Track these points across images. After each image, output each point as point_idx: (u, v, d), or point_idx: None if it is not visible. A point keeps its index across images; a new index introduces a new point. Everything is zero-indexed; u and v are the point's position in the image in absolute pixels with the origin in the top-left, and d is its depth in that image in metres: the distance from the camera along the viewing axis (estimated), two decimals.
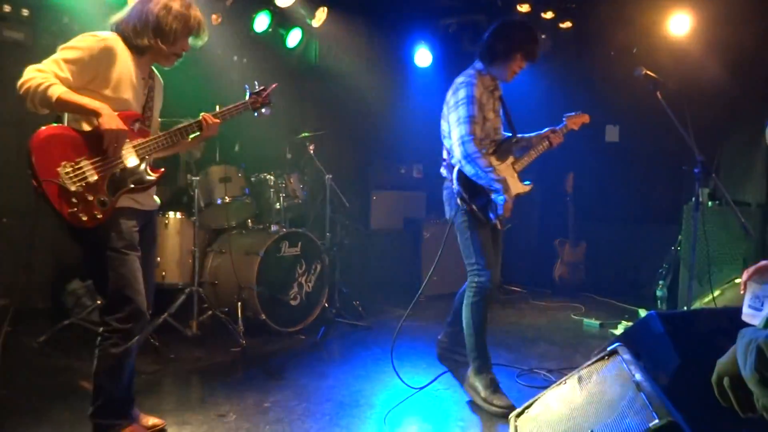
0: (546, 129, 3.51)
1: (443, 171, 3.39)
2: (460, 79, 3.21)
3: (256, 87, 2.88)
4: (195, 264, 4.27)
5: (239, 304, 4.21)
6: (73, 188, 2.25)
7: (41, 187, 2.20)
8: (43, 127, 2.27)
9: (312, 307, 4.61)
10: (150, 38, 2.45)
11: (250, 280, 4.21)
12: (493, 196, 3.11)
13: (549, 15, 6.01)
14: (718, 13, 5.42)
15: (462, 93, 3.13)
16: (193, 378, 3.56)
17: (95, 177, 2.32)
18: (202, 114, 2.66)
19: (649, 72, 3.61)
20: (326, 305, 4.71)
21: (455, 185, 3.20)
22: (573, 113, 3.58)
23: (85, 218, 2.28)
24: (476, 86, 3.14)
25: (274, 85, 2.93)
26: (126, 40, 2.45)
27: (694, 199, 3.67)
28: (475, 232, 3.22)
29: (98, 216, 2.32)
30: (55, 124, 2.35)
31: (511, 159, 3.38)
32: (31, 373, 3.44)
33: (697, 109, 3.76)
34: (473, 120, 3.09)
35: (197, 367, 3.71)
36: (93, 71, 2.34)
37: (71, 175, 2.26)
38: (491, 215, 3.17)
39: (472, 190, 3.17)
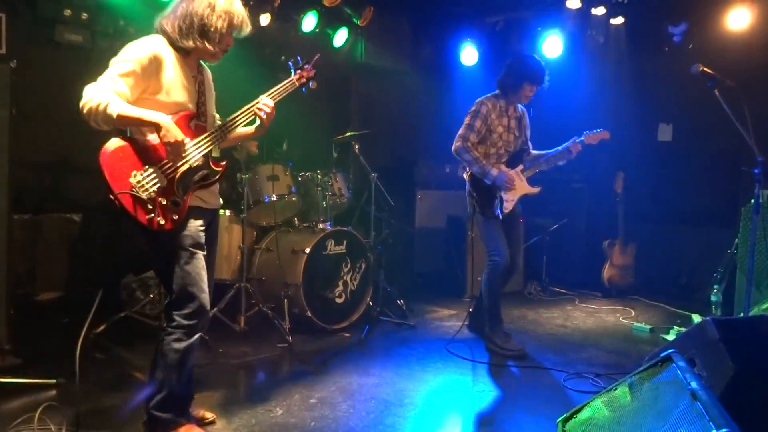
0: (568, 142, 4.20)
1: (463, 175, 4.26)
2: (477, 100, 4.10)
3: (299, 62, 2.86)
4: (243, 260, 4.36)
5: (285, 300, 4.28)
6: (146, 195, 2.31)
7: (117, 200, 2.26)
8: (110, 141, 2.32)
9: (357, 305, 4.65)
10: (196, 40, 2.44)
11: (297, 277, 4.27)
12: (485, 180, 3.99)
13: (600, 11, 5.86)
14: None
15: (473, 108, 4.07)
16: (240, 372, 3.63)
17: (165, 181, 2.38)
18: (257, 106, 2.63)
19: (706, 68, 3.49)
20: (371, 303, 4.73)
21: (468, 185, 4.15)
22: (593, 131, 4.23)
23: (162, 221, 2.34)
24: (485, 105, 4.05)
25: (317, 56, 2.89)
26: (171, 42, 2.46)
27: (753, 200, 3.52)
28: (489, 224, 4.06)
29: (175, 217, 2.38)
30: (119, 137, 2.39)
31: (520, 167, 4.16)
32: (87, 363, 3.56)
33: (757, 107, 3.60)
34: (471, 128, 4.02)
35: (245, 361, 3.78)
36: (146, 79, 2.37)
37: (142, 182, 2.31)
38: (497, 210, 4.02)
39: (482, 189, 4.04)
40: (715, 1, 5.51)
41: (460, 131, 4.06)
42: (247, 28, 2.57)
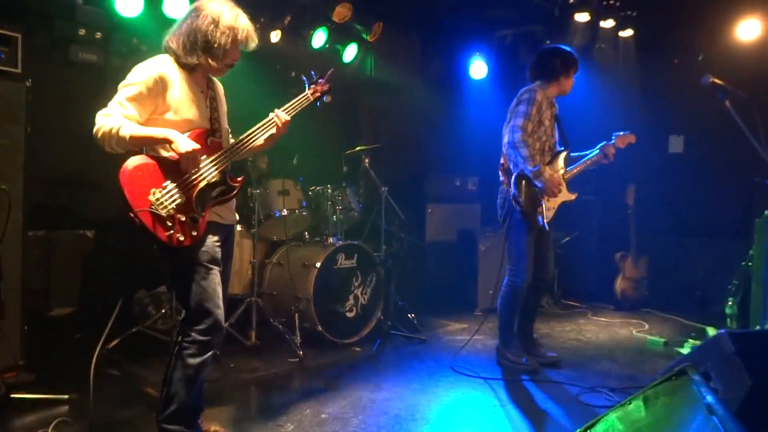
0: (598, 146, 4.01)
1: (500, 175, 3.92)
2: (524, 89, 3.84)
3: (313, 77, 2.87)
4: (254, 275, 4.37)
5: (296, 315, 4.28)
6: (165, 212, 2.32)
7: (138, 218, 2.28)
8: (130, 160, 2.35)
9: (367, 319, 4.63)
10: (200, 56, 2.46)
11: (307, 291, 4.27)
12: (535, 183, 3.68)
13: (609, 24, 5.87)
14: None
15: (525, 96, 3.79)
16: (251, 387, 3.63)
17: (183, 197, 2.39)
18: (275, 113, 2.66)
19: (716, 80, 3.48)
20: (381, 317, 4.72)
21: (512, 188, 3.76)
22: (622, 132, 4.05)
23: (182, 238, 2.36)
24: (539, 93, 3.79)
25: (330, 71, 2.91)
26: (177, 59, 2.48)
27: (767, 212, 3.49)
28: (523, 236, 3.80)
29: (194, 233, 2.39)
30: (136, 156, 2.41)
31: (562, 169, 3.91)
32: (99, 378, 3.57)
33: None
34: (528, 116, 3.71)
35: (256, 376, 3.78)
36: (153, 100, 2.41)
37: (161, 200, 2.33)
38: (540, 218, 3.75)
39: (527, 194, 3.73)
40: (725, 12, 5.50)
41: (515, 122, 3.71)
42: (254, 43, 2.58)
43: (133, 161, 2.36)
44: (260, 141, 2.69)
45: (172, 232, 2.33)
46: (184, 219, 2.37)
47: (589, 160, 3.99)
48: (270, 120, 2.67)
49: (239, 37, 2.50)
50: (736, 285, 4.75)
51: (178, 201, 2.37)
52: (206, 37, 2.43)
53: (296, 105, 2.77)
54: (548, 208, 3.82)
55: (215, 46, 2.45)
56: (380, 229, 4.94)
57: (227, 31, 2.45)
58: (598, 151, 4.00)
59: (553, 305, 6.04)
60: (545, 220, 3.77)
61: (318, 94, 2.85)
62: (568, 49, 3.93)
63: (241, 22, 2.51)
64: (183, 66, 2.50)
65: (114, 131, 2.28)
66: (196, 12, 2.48)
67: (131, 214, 2.28)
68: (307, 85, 2.86)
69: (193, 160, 2.40)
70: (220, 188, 2.54)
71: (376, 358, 4.24)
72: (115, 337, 4.03)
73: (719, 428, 1.71)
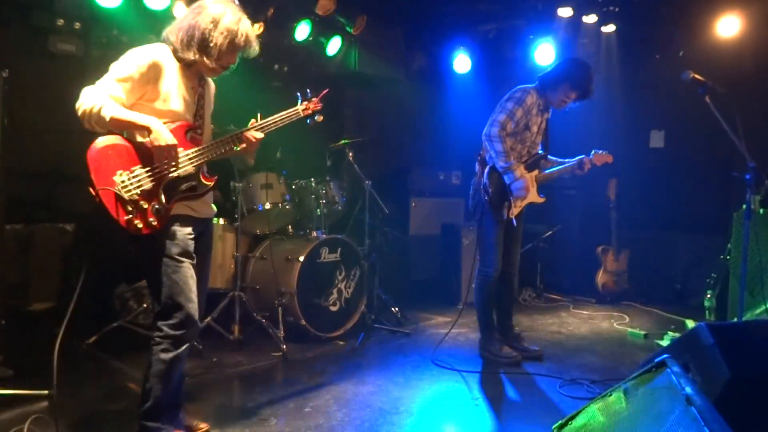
0: (577, 158, 4.03)
1: (477, 165, 3.97)
2: (519, 87, 3.85)
3: (308, 94, 2.87)
4: (237, 269, 4.35)
5: (280, 309, 4.26)
6: (128, 196, 2.31)
7: (99, 196, 2.26)
8: (100, 138, 2.34)
9: (351, 313, 4.63)
10: (195, 53, 2.45)
11: (291, 285, 4.26)
12: (504, 178, 3.75)
13: (591, 19, 5.91)
14: None
15: (516, 95, 3.80)
16: (234, 382, 3.61)
17: (150, 185, 2.37)
18: (245, 134, 2.64)
19: (696, 75, 3.52)
20: (365, 311, 4.72)
21: (484, 178, 3.83)
22: (601, 151, 4.07)
23: (140, 225, 2.33)
24: (530, 95, 3.80)
25: (325, 91, 2.92)
26: (174, 52, 2.48)
27: (745, 206, 3.54)
28: (493, 227, 3.87)
29: (153, 223, 2.37)
30: (110, 135, 2.40)
31: (536, 172, 3.98)
32: (79, 374, 3.54)
33: (748, 114, 3.63)
34: (511, 115, 3.74)
35: (239, 371, 3.76)
36: (143, 86, 2.39)
37: (127, 183, 2.32)
38: (504, 213, 3.83)
39: (497, 187, 3.80)
40: (705, 8, 5.56)
41: (497, 116, 3.76)
42: (253, 50, 2.57)
43: (104, 139, 2.34)
44: (236, 149, 2.66)
45: (131, 217, 2.31)
46: (146, 207, 2.36)
47: (564, 168, 4.04)
48: (247, 129, 2.65)
49: (237, 40, 2.48)
50: (715, 278, 4.83)
51: (144, 187, 2.36)
52: (203, 35, 2.43)
53: (285, 118, 2.75)
54: (514, 205, 3.88)
55: (211, 45, 2.44)
56: (364, 223, 4.93)
57: (225, 32, 2.44)
58: (575, 162, 4.03)
59: (535, 298, 6.09)
60: (510, 215, 3.85)
61: (309, 111, 2.84)
62: (579, 65, 3.82)
63: (241, 27, 2.49)
64: (179, 59, 2.49)
65: (96, 110, 2.26)
66: (198, 9, 2.48)
67: (92, 191, 2.26)
68: (300, 101, 2.84)
69: (167, 155, 2.38)
70: (191, 183, 2.52)
71: (360, 352, 4.24)
72: (95, 333, 3.98)
73: (698, 419, 1.73)
